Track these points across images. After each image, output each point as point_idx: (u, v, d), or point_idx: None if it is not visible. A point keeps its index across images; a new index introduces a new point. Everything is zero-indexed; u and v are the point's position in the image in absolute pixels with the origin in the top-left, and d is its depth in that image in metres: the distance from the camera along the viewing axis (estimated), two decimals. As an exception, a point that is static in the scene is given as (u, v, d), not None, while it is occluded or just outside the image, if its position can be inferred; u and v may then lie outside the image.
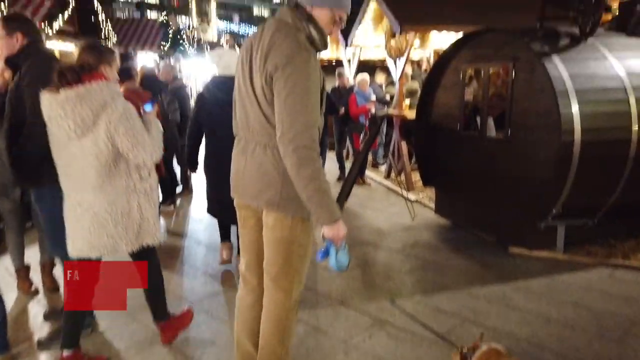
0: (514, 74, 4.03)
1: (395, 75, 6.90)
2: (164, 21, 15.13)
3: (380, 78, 8.39)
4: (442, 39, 7.11)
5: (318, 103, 1.84)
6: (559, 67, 3.65)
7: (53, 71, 2.34)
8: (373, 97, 7.28)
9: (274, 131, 1.85)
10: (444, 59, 5.03)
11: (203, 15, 32.83)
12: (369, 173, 7.60)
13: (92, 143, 2.24)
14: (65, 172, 2.38)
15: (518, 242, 4.29)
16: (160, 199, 5.45)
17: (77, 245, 2.41)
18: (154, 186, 2.51)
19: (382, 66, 8.58)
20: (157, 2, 54.74)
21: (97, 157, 2.26)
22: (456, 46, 4.86)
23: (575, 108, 3.60)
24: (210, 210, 3.99)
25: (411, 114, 6.46)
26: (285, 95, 1.76)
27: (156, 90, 5.08)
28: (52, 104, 2.24)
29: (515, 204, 4.17)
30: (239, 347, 2.26)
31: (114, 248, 2.41)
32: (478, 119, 4.63)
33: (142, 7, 38.12)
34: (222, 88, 3.56)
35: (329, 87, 7.50)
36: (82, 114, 2.20)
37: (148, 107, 2.58)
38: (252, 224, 2.13)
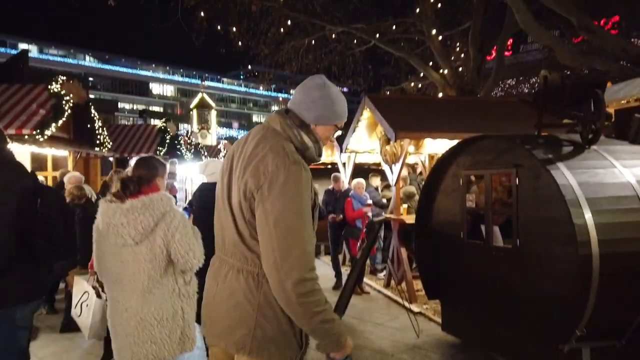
0: (517, 181, 3.85)
1: (392, 180, 6.79)
2: (162, 127, 15.54)
3: (375, 181, 8.32)
4: (437, 144, 7.15)
5: (312, 224, 1.56)
6: (566, 175, 3.47)
7: (14, 182, 2.24)
8: (369, 201, 7.11)
9: (250, 254, 1.57)
10: (441, 164, 4.91)
11: (203, 122, 34.40)
12: (367, 280, 7.16)
13: (147, 249, 2.32)
14: (116, 278, 2.41)
15: (539, 367, 3.77)
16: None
17: (121, 353, 2.41)
18: (195, 290, 2.55)
19: (377, 169, 8.57)
20: (161, 110, 57.70)
21: (150, 262, 2.32)
22: (453, 152, 4.75)
23: (588, 218, 3.35)
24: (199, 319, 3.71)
25: (409, 218, 6.24)
26: (275, 221, 1.48)
27: None
28: (116, 213, 2.32)
29: (532, 323, 3.73)
30: None
31: (156, 357, 2.35)
32: (482, 227, 4.36)
33: (145, 115, 40.01)
34: (207, 194, 3.65)
35: (322, 190, 7.44)
36: (144, 222, 2.30)
37: (185, 215, 2.69)
38: None
